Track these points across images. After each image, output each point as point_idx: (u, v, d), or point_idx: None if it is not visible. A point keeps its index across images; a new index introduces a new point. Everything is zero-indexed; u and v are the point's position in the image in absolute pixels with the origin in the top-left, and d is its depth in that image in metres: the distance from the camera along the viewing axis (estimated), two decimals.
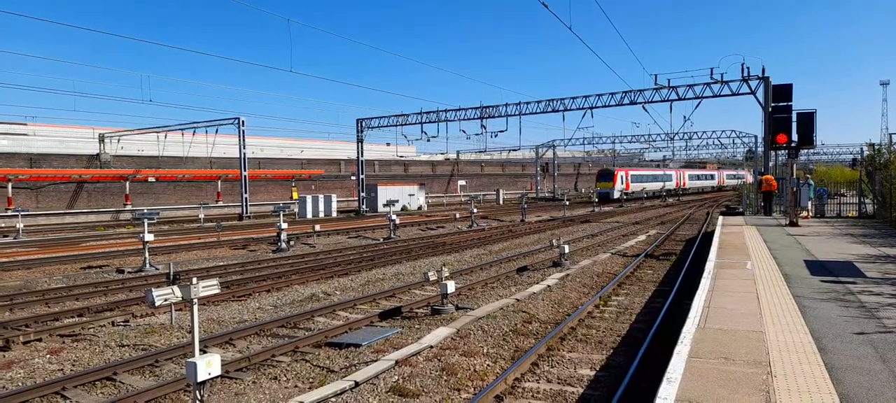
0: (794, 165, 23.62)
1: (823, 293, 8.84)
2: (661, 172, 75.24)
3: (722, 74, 30.67)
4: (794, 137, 23.12)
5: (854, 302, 8.11)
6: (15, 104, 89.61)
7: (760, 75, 28.64)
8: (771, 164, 29.19)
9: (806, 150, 34.50)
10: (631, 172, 65.19)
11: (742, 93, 30.22)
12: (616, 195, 59.35)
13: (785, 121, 23.50)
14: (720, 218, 25.88)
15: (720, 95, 31.36)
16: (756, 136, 56.38)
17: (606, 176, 61.75)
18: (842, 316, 7.39)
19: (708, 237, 20.81)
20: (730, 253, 13.45)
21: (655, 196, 68.95)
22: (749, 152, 66.08)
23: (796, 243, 15.37)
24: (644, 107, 35.14)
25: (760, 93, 28.50)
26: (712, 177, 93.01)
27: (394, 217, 26.95)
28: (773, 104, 25.29)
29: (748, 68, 29.08)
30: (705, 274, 10.55)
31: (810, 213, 24.28)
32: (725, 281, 9.96)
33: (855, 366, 5.48)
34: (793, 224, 20.19)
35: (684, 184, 79.83)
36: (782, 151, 26.17)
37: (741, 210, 30.59)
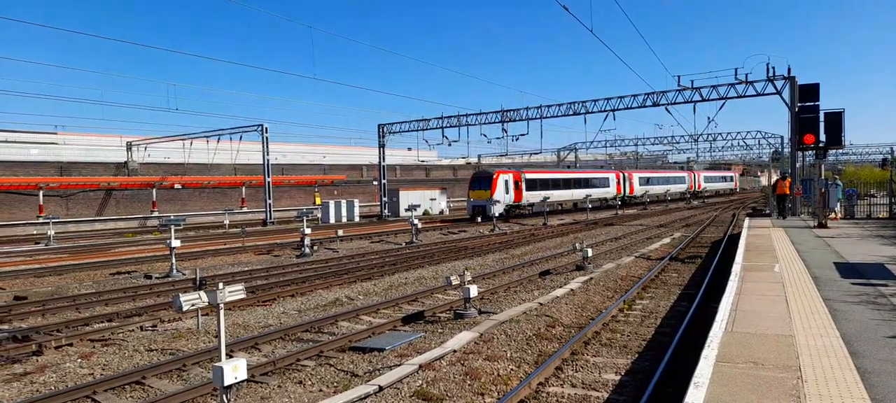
0: (823, 166, 23.17)
1: (854, 295, 8.65)
2: (586, 175, 50.93)
3: (746, 75, 30.16)
4: (822, 137, 22.67)
5: (886, 306, 7.93)
6: (45, 114, 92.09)
7: (786, 75, 28.11)
8: (798, 165, 28.65)
9: (834, 151, 33.74)
10: (526, 175, 42.91)
11: (767, 94, 29.69)
12: (495, 210, 37.41)
13: (812, 121, 23.04)
14: (746, 220, 25.53)
15: (745, 96, 30.86)
16: (782, 137, 55.56)
17: (482, 181, 40.07)
18: (874, 319, 7.23)
19: (734, 239, 20.51)
20: (757, 256, 13.23)
21: (579, 208, 47.55)
22: (775, 153, 64.97)
23: (825, 245, 15.07)
24: (667, 109, 34.70)
25: (786, 93, 27.98)
26: (682, 179, 68.22)
27: (416, 221, 27.04)
28: (799, 104, 24.84)
29: (773, 68, 28.57)
30: (732, 277, 10.39)
31: (839, 215, 23.82)
32: (753, 283, 9.80)
33: (888, 371, 5.35)
34: (821, 225, 19.83)
35: (631, 190, 56.36)
36: (810, 152, 25.72)
37: (768, 212, 30.12)
